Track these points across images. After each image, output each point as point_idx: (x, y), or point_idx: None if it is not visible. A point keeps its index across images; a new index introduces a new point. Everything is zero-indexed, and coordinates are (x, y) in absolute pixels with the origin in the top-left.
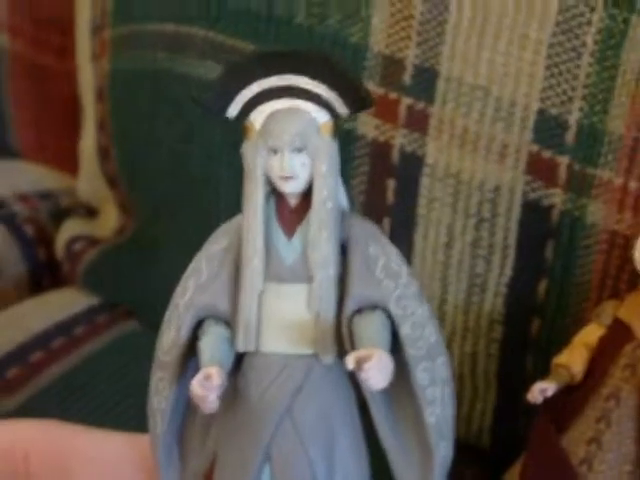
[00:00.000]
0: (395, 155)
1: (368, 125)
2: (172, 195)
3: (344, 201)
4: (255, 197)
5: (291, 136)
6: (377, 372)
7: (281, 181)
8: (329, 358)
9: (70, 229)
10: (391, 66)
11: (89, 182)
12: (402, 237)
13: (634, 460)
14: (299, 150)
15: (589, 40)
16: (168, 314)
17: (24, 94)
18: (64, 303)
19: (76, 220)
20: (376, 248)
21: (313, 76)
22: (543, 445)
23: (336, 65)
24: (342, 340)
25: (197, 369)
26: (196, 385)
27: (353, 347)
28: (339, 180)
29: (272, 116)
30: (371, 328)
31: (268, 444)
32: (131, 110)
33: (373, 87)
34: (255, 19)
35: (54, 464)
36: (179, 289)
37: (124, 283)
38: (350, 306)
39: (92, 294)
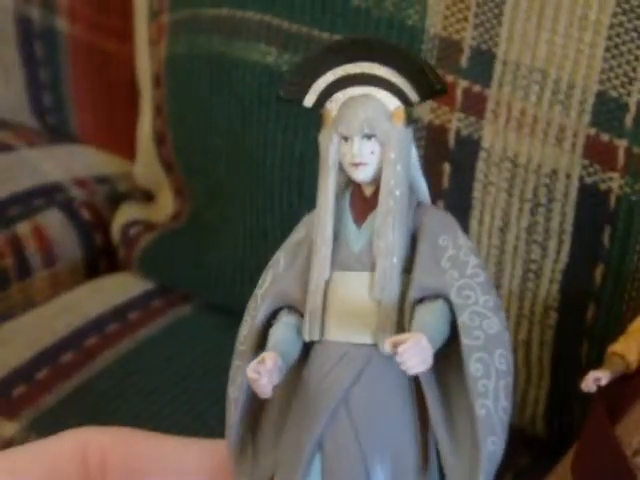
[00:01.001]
0: (451, 139)
1: (424, 108)
2: (227, 180)
3: (424, 192)
4: (327, 185)
5: (360, 122)
6: (412, 355)
7: (352, 168)
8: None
9: (126, 214)
10: (448, 48)
11: (146, 167)
12: (457, 222)
13: None
14: (369, 137)
15: None
16: (248, 305)
17: (83, 79)
18: (120, 288)
19: (132, 205)
20: (446, 239)
21: (385, 63)
22: (596, 435)
23: (407, 52)
24: (404, 330)
25: None
26: (249, 369)
27: None
28: (417, 169)
29: (345, 103)
30: (425, 315)
31: (321, 433)
32: (187, 95)
33: None
34: (310, 2)
35: (130, 471)
36: (260, 281)
37: (179, 268)
38: (412, 295)
39: (148, 279)
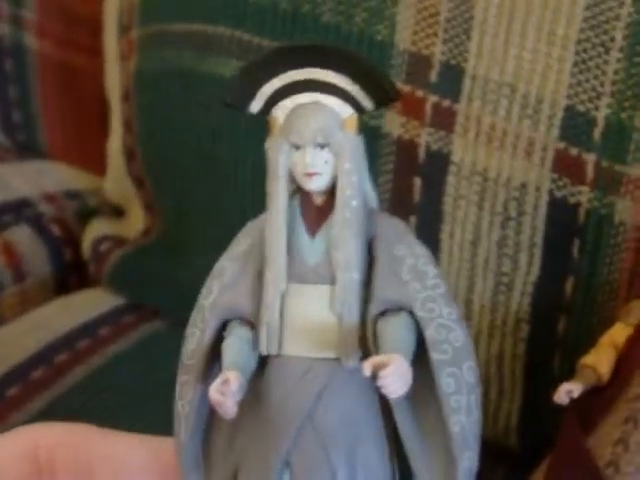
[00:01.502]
0: (421, 153)
1: (394, 123)
2: (198, 196)
3: (373, 199)
4: (278, 195)
5: (313, 131)
6: (395, 379)
7: (304, 178)
8: (352, 362)
9: (96, 229)
10: (417, 64)
11: (116, 182)
12: (428, 236)
13: None
14: (322, 146)
15: (618, 35)
16: (193, 316)
17: (52, 94)
18: (90, 303)
19: (103, 220)
20: (403, 248)
21: (336, 69)
22: (569, 446)
23: (360, 58)
24: (366, 343)
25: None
26: (213, 391)
27: (377, 351)
28: (367, 177)
29: (294, 111)
30: (394, 332)
31: (289, 450)
32: (157, 110)
33: (399, 85)
34: (281, 18)
35: (78, 465)
36: (204, 291)
37: (150, 283)
38: (374, 309)
39: (118, 294)
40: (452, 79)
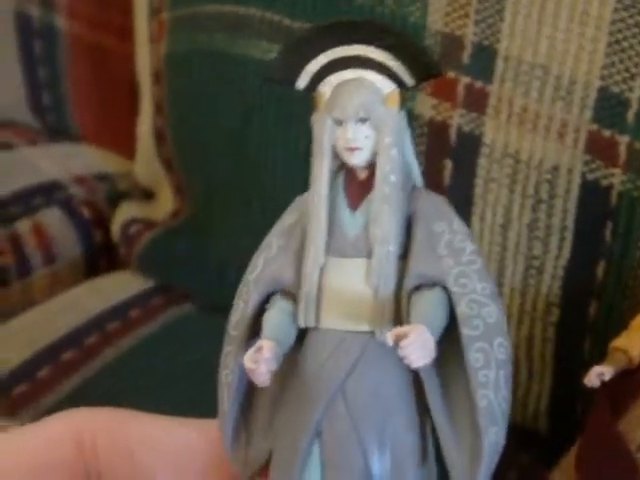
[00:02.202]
0: (452, 135)
1: (425, 104)
2: (227, 178)
3: (417, 175)
4: (321, 170)
5: (354, 107)
6: (416, 349)
7: (346, 153)
8: (385, 336)
9: (126, 212)
10: (449, 45)
11: (146, 165)
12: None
13: None
14: (363, 121)
15: None
16: (239, 289)
17: (82, 76)
18: (119, 286)
19: (132, 203)
20: (441, 224)
21: (378, 45)
22: (599, 430)
23: (401, 34)
24: (401, 318)
25: None
26: (247, 358)
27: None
28: (411, 153)
29: (338, 87)
30: (424, 305)
31: (319, 421)
32: (187, 93)
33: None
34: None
35: (122, 450)
36: (250, 266)
37: (179, 266)
38: (409, 283)
39: (147, 277)
40: (484, 60)
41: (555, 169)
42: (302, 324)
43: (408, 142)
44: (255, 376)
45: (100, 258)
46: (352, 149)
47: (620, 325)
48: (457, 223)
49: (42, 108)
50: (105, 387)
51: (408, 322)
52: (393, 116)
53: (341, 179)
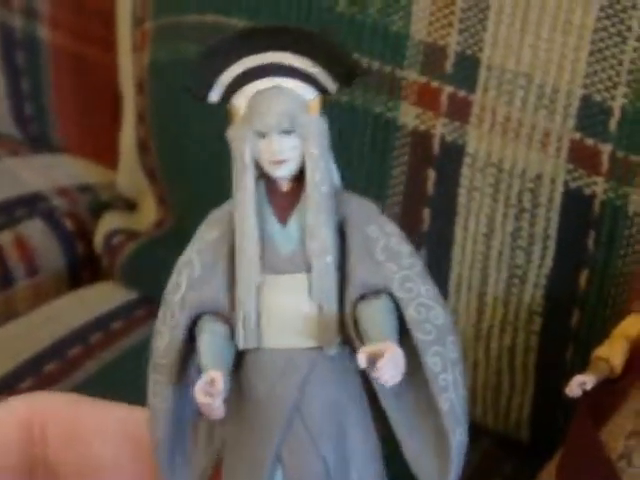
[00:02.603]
0: (436, 145)
1: (409, 114)
2: (211, 188)
3: (336, 179)
4: (246, 184)
5: (276, 117)
6: (390, 369)
7: (272, 166)
8: (333, 349)
9: (109, 223)
10: (432, 54)
11: (128, 176)
12: (442, 228)
13: None
14: (288, 132)
15: (634, 24)
16: (161, 313)
17: (65, 87)
18: (102, 297)
19: (115, 214)
20: (375, 229)
21: (295, 51)
22: (581, 439)
23: (319, 38)
24: (345, 329)
25: (196, 368)
26: (200, 392)
27: (358, 336)
28: (330, 157)
29: (255, 97)
30: (378, 316)
31: (279, 444)
32: (170, 103)
33: (415, 76)
34: (296, 9)
35: (69, 433)
36: (170, 285)
37: (162, 277)
38: (353, 294)
39: (130, 288)
40: (467, 69)
41: (538, 178)
42: (242, 346)
43: (328, 147)
44: (209, 410)
45: (83, 269)
46: (279, 162)
47: (603, 334)
48: (389, 225)
49: (24, 119)
50: None
51: (355, 332)
52: (318, 124)
53: (262, 190)
